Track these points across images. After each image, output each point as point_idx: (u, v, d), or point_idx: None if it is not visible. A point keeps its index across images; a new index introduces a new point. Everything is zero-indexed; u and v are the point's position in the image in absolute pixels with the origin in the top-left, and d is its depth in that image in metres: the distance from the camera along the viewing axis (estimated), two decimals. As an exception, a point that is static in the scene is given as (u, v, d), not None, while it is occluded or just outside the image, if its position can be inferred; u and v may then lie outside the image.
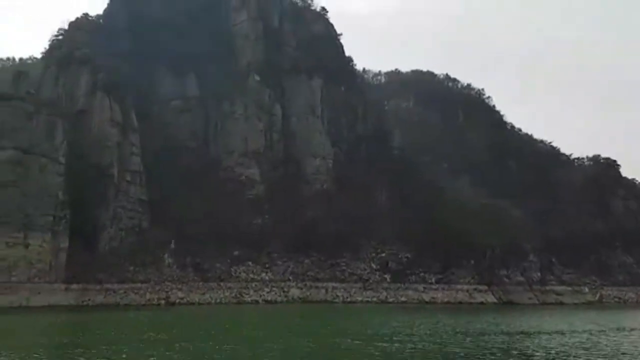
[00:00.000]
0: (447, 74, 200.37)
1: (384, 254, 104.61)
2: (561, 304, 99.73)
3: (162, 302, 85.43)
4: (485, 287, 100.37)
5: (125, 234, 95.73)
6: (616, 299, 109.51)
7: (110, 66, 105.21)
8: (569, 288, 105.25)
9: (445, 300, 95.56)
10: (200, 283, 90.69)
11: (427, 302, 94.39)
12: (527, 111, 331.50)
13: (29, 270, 79.17)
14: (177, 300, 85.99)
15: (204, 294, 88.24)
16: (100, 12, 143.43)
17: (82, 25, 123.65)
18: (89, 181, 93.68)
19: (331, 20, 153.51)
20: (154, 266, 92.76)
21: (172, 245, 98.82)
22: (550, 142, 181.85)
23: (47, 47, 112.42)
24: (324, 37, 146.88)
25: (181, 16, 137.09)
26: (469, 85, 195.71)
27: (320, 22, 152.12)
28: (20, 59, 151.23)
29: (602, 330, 49.37)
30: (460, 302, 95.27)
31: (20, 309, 74.90)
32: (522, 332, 46.47)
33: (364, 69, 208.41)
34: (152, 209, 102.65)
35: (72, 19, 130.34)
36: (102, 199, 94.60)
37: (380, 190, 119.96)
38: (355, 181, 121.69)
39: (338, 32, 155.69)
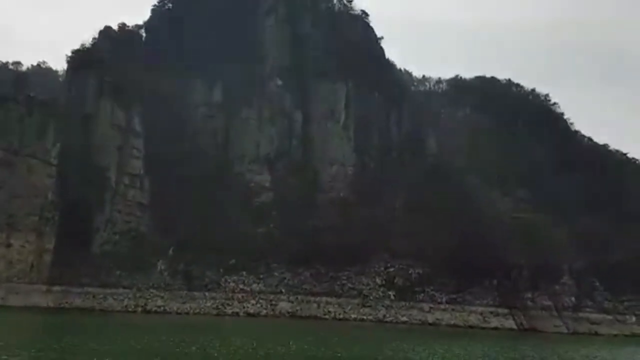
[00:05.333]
0: (509, 79, 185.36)
1: (392, 269, 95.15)
2: (595, 334, 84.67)
3: (139, 309, 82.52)
4: (506, 311, 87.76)
5: (120, 237, 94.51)
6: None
7: (120, 71, 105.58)
8: (609, 317, 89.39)
9: (452, 322, 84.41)
10: (184, 292, 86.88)
11: (430, 324, 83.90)
12: (603, 120, 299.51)
13: (8, 270, 79.47)
14: (154, 309, 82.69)
15: (184, 303, 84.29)
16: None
17: (112, 34, 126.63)
18: (87, 184, 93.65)
19: (379, 24, 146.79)
20: (142, 272, 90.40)
21: (171, 252, 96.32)
22: (626, 153, 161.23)
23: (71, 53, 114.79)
24: (360, 41, 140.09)
25: (217, 27, 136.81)
26: (533, 90, 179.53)
27: (357, 26, 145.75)
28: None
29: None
30: (470, 327, 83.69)
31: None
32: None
33: (423, 76, 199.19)
34: (156, 215, 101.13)
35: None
36: (99, 202, 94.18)
37: (402, 200, 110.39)
38: (378, 191, 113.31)
39: (379, 35, 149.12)
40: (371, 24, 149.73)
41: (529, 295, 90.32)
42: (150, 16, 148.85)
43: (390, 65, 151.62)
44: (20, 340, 40.25)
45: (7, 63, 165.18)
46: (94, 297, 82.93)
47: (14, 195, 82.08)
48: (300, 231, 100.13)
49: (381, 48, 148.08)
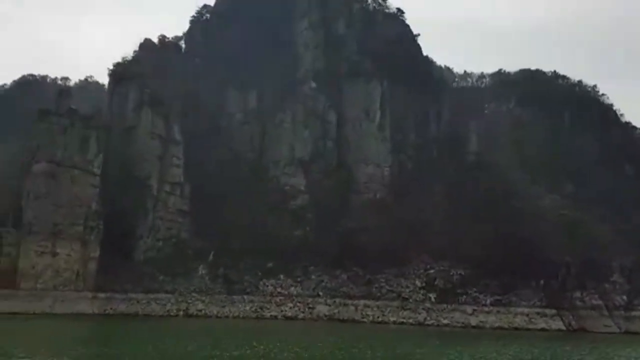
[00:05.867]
0: (554, 71, 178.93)
1: (432, 271, 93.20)
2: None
3: (181, 313, 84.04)
4: (553, 312, 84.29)
5: (162, 244, 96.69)
6: None
7: (159, 82, 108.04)
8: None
9: (497, 325, 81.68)
10: (224, 296, 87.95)
11: (473, 327, 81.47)
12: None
13: (55, 279, 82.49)
14: (195, 312, 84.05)
15: (223, 307, 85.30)
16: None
17: (151, 46, 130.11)
18: (129, 193, 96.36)
19: (416, 22, 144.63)
20: (184, 277, 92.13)
21: (211, 257, 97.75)
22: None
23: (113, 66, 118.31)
24: (395, 39, 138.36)
25: (252, 34, 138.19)
26: (579, 82, 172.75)
27: (393, 25, 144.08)
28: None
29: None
30: (515, 328, 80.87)
31: (43, 315, 78.04)
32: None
33: (465, 71, 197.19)
34: (197, 221, 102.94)
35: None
36: (141, 210, 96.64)
37: (441, 199, 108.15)
38: (416, 190, 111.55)
39: (415, 33, 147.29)
40: (407, 22, 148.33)
41: (578, 294, 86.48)
42: (189, 27, 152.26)
43: (427, 62, 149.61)
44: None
45: (55, 79, 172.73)
46: (137, 302, 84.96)
47: (58, 205, 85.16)
48: (336, 233, 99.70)
49: (418, 45, 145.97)
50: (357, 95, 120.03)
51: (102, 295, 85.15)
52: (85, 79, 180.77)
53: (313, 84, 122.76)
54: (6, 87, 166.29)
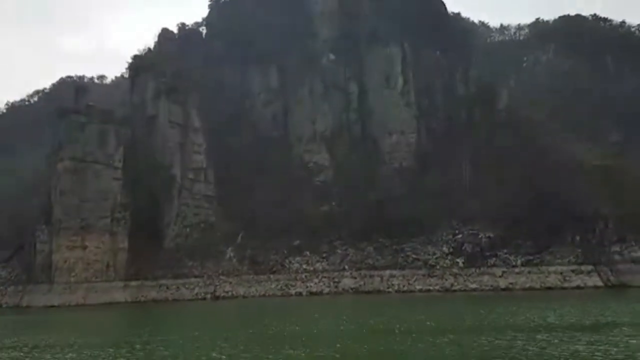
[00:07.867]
0: (595, 15, 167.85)
1: (460, 236, 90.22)
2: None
3: (209, 296, 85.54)
4: (590, 268, 79.86)
5: (190, 230, 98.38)
6: None
7: (176, 70, 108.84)
8: None
9: (528, 286, 78.30)
10: (251, 276, 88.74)
11: (502, 289, 78.52)
12: None
13: (87, 271, 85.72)
14: (223, 294, 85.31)
15: (250, 287, 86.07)
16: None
17: (170, 35, 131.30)
18: (155, 182, 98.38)
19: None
20: (213, 261, 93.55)
21: (239, 239, 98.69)
22: None
23: (131, 59, 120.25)
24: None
25: (269, 13, 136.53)
26: (622, 22, 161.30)
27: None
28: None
29: None
30: (548, 288, 77.27)
31: (78, 307, 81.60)
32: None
33: (501, 24, 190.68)
34: (224, 204, 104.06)
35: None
36: (167, 198, 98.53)
37: (468, 161, 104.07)
38: (445, 155, 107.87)
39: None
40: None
41: (617, 248, 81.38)
42: (208, 12, 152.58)
43: (453, 19, 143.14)
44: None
45: (92, 78, 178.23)
46: (167, 288, 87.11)
47: (84, 201, 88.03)
48: (362, 206, 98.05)
49: (441, 2, 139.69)
50: (377, 62, 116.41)
51: (133, 283, 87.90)
52: (121, 75, 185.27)
53: (331, 56, 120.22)
54: (46, 90, 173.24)
